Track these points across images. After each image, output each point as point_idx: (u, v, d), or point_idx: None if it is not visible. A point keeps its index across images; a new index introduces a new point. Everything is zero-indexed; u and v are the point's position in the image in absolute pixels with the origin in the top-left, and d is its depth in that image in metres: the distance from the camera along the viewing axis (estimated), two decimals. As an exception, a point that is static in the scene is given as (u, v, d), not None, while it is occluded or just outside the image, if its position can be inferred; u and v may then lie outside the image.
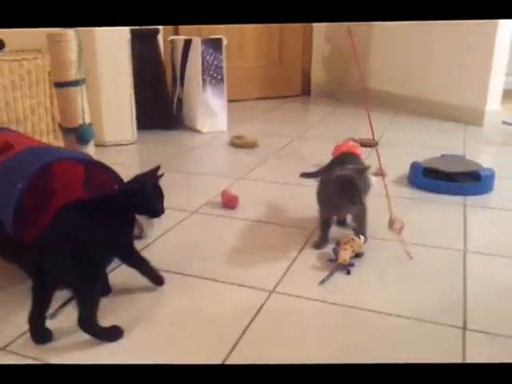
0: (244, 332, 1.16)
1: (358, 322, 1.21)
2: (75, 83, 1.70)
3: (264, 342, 1.12)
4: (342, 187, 1.43)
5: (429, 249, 1.59)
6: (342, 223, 1.72)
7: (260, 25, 3.86)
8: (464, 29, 3.11)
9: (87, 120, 1.75)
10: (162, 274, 1.34)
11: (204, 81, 2.93)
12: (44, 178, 1.42)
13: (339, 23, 0.87)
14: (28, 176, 1.19)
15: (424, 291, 1.34)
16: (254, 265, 1.47)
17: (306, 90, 4.18)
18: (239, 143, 2.71)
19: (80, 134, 1.73)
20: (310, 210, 1.70)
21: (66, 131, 1.76)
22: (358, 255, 1.49)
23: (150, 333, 1.16)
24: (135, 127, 2.80)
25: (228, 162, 2.61)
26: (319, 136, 3.03)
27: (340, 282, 1.39)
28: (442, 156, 2.26)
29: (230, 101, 3.12)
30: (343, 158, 1.69)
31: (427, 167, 2.08)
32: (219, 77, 2.97)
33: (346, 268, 1.43)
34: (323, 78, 4.12)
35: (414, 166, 2.12)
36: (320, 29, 4.01)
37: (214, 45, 2.92)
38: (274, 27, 3.94)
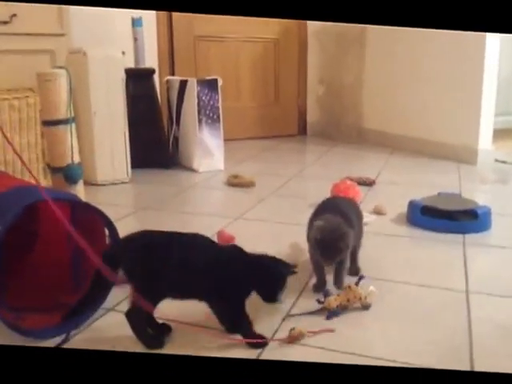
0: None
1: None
2: (64, 122, 1.69)
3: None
4: (318, 246, 1.44)
5: (431, 290, 1.55)
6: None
7: (255, 65, 3.92)
8: (453, 67, 3.17)
9: (76, 159, 1.73)
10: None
11: (200, 120, 2.94)
12: (28, 219, 1.38)
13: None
14: (10, 217, 1.15)
15: (428, 334, 1.30)
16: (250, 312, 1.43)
17: (302, 130, 4.21)
18: (236, 182, 2.70)
19: (68, 174, 1.71)
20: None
21: (54, 170, 1.74)
22: (364, 307, 1.43)
23: None
24: (129, 166, 2.79)
25: (224, 202, 2.59)
26: (315, 175, 3.02)
27: (339, 328, 1.34)
28: (439, 194, 2.25)
29: (227, 140, 3.12)
30: (329, 204, 1.67)
31: (425, 205, 2.07)
32: (215, 116, 2.98)
33: (328, 313, 1.39)
34: (319, 118, 4.15)
35: (412, 205, 2.11)
36: (313, 70, 4.07)
37: (210, 85, 2.95)
38: (270, 68, 4.00)
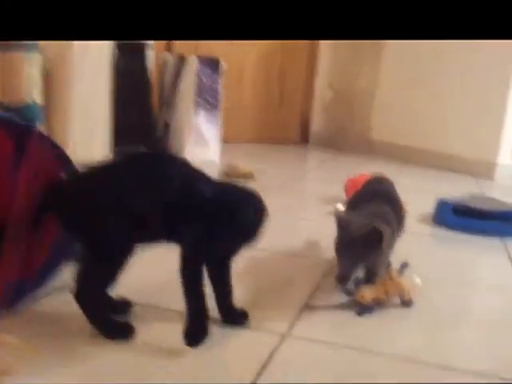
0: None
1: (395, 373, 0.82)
2: (22, 46, 1.32)
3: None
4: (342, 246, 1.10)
5: (480, 292, 1.22)
6: None
7: (260, 65, 3.62)
8: (476, 78, 2.90)
9: (37, 99, 1.36)
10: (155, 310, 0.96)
11: (197, 104, 2.61)
12: None
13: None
14: None
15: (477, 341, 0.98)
16: (263, 303, 1.13)
17: (304, 138, 3.89)
18: (232, 173, 2.36)
19: (24, 116, 1.33)
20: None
21: (7, 111, 1.36)
22: (405, 303, 1.12)
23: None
24: (111, 150, 2.42)
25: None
26: (320, 177, 2.72)
27: (365, 324, 1.03)
28: (471, 196, 1.93)
29: (223, 142, 2.78)
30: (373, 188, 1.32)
31: (458, 205, 1.74)
32: (215, 102, 2.66)
33: (361, 309, 1.07)
34: (323, 126, 3.84)
35: (442, 204, 1.78)
36: (323, 74, 3.78)
37: (212, 65, 2.63)
38: (275, 67, 3.70)
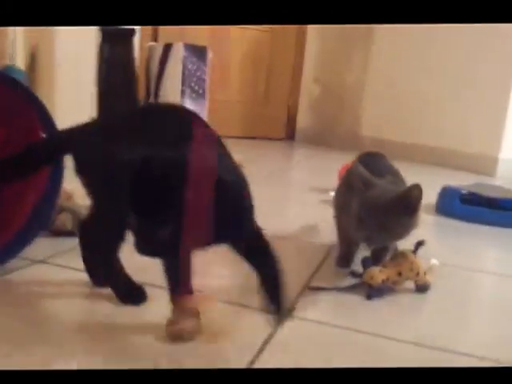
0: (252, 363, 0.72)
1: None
2: None
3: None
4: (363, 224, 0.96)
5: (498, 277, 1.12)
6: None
7: (247, 56, 3.50)
8: (474, 69, 2.82)
9: (19, 63, 1.23)
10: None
11: (183, 92, 2.48)
12: None
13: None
14: None
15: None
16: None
17: (290, 134, 3.78)
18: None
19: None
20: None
21: None
22: (420, 287, 0.99)
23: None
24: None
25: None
26: (308, 170, 2.60)
27: (374, 307, 0.93)
28: (476, 184, 1.83)
29: None
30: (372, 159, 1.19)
31: (467, 192, 1.64)
32: (200, 91, 2.53)
33: (370, 291, 0.95)
34: (310, 121, 3.73)
35: (448, 191, 1.67)
36: (309, 68, 3.68)
37: (199, 53, 2.50)
38: (263, 60, 3.58)
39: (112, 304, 0.84)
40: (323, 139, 3.60)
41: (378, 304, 0.94)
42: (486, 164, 2.72)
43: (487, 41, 2.72)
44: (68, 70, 2.22)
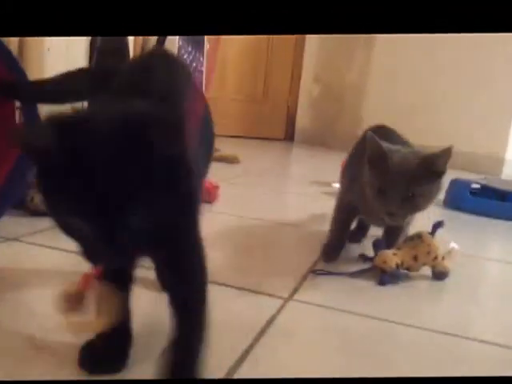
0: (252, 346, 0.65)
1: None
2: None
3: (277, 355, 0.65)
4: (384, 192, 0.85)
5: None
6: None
7: (246, 54, 3.41)
8: (480, 66, 2.73)
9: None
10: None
11: (178, 84, 2.38)
12: None
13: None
14: None
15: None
16: (263, 268, 0.95)
17: (289, 134, 3.68)
18: (217, 156, 2.12)
19: None
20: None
21: None
22: (438, 274, 0.89)
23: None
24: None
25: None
26: (309, 166, 2.50)
27: (387, 292, 0.84)
28: (486, 178, 1.73)
29: None
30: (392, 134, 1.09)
31: (476, 186, 1.54)
32: (197, 82, 2.42)
33: (383, 276, 0.84)
34: (310, 122, 3.63)
35: (457, 184, 1.57)
36: (309, 67, 3.58)
37: (195, 43, 2.41)
38: (261, 59, 3.49)
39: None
40: (323, 140, 3.50)
41: (391, 290, 0.84)
42: (493, 165, 2.62)
43: (494, 41, 2.63)
44: (58, 56, 2.12)
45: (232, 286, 0.82)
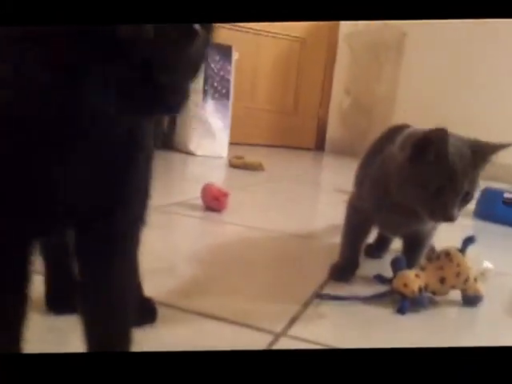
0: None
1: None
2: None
3: None
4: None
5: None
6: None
7: (277, 65, 3.39)
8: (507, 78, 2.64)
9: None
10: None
11: (205, 92, 2.37)
12: None
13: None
14: None
15: None
16: (257, 291, 0.83)
17: (319, 144, 3.63)
18: (241, 163, 2.10)
19: None
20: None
21: None
22: (468, 300, 0.78)
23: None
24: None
25: (225, 180, 1.99)
26: (335, 173, 2.45)
27: (408, 324, 0.72)
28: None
29: (231, 143, 2.53)
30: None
31: (509, 196, 1.47)
32: (224, 91, 2.41)
33: (403, 303, 0.74)
34: (340, 133, 3.58)
35: (489, 193, 1.50)
36: (340, 79, 3.54)
37: (223, 52, 2.40)
38: (292, 70, 3.47)
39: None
40: (353, 150, 3.43)
41: (412, 320, 0.73)
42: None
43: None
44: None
45: (211, 316, 0.69)
